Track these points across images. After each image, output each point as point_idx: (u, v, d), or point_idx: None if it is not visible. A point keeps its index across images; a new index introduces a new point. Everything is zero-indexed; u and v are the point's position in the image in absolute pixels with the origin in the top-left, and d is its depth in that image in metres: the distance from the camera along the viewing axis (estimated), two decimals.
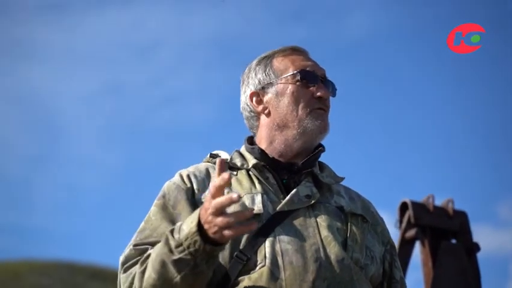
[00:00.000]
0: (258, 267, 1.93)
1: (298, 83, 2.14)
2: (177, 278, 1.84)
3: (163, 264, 1.86)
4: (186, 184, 2.07)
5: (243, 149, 2.18)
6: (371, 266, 2.05)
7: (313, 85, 2.14)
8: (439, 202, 4.27)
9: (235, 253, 1.95)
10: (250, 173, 2.10)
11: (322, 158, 2.21)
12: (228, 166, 2.13)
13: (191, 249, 1.81)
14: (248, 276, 1.93)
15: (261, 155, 2.11)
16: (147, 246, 1.97)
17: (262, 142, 2.16)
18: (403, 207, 4.21)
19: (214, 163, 2.13)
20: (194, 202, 2.04)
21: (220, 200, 1.76)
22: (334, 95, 2.19)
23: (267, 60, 2.20)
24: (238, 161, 2.12)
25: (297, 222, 2.00)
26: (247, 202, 2.01)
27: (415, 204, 4.18)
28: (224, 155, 2.16)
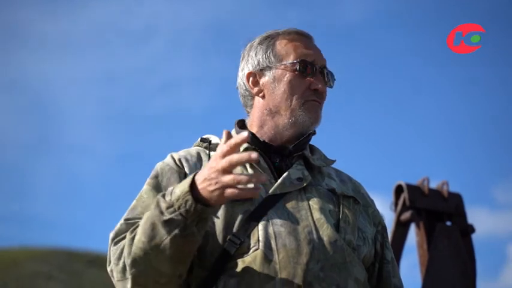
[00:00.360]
0: (251, 251, 1.93)
1: (296, 72, 2.13)
2: (167, 239, 1.83)
3: (153, 227, 1.84)
4: (179, 167, 2.07)
5: (233, 133, 2.18)
6: (363, 247, 2.06)
7: (311, 76, 2.13)
8: (434, 185, 4.28)
9: (229, 236, 1.95)
10: None
11: (317, 140, 2.22)
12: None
13: (182, 209, 1.81)
14: (242, 259, 1.93)
15: (252, 138, 2.11)
16: (137, 220, 1.96)
17: (253, 125, 2.16)
18: (398, 189, 4.22)
19: (205, 147, 2.13)
20: None
21: (238, 156, 1.74)
22: (331, 86, 2.18)
23: (269, 41, 2.18)
24: None
25: (290, 205, 2.00)
26: (239, 186, 2.01)
27: (410, 187, 4.19)
28: (215, 139, 2.16)
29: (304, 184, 2.05)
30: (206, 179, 1.79)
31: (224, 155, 1.77)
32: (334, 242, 1.97)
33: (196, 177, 1.82)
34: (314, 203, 2.02)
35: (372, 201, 2.22)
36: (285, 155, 2.11)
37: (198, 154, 2.13)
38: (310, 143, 2.21)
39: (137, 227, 1.92)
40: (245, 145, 2.09)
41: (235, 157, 1.75)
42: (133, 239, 1.90)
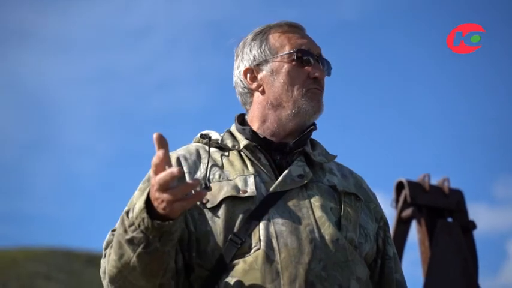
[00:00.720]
0: (252, 250, 1.91)
1: (294, 62, 2.11)
2: (133, 257, 1.82)
3: (120, 245, 1.84)
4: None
5: (233, 129, 2.15)
6: (365, 245, 2.04)
7: (309, 65, 2.11)
8: (434, 181, 4.27)
9: (230, 236, 1.93)
10: (241, 153, 2.08)
11: (318, 137, 2.20)
12: (219, 147, 2.10)
13: (142, 227, 1.79)
14: (243, 259, 1.91)
15: (252, 135, 2.09)
16: None
17: (254, 120, 2.14)
18: (399, 186, 4.20)
19: (205, 144, 2.11)
20: None
21: (163, 175, 1.71)
22: (329, 74, 2.17)
23: (262, 36, 2.17)
24: (229, 142, 2.10)
25: (291, 203, 1.98)
26: (240, 184, 1.99)
27: (411, 184, 4.17)
28: (214, 135, 2.13)
29: (305, 181, 2.03)
30: (154, 199, 1.77)
31: (155, 173, 1.74)
32: (336, 241, 1.95)
33: (150, 191, 1.79)
34: (315, 200, 2.00)
35: (374, 195, 2.20)
36: (286, 152, 2.08)
37: (198, 151, 2.10)
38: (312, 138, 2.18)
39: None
40: (245, 142, 2.07)
41: (161, 177, 1.72)
42: (109, 255, 1.90)
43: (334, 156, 2.17)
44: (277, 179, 2.02)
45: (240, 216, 1.95)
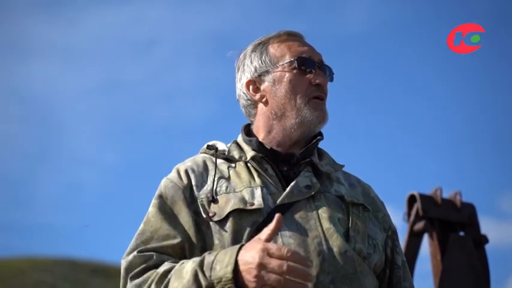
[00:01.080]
0: None
1: (295, 71, 2.10)
2: None
3: None
4: (183, 181, 2.04)
5: (240, 140, 2.15)
6: (374, 255, 2.03)
7: (311, 72, 2.11)
8: (446, 194, 4.27)
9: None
10: (248, 165, 2.07)
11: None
12: (225, 158, 2.10)
13: None
14: None
15: (259, 146, 2.08)
16: (151, 253, 1.94)
17: (260, 131, 2.13)
18: (411, 199, 4.21)
19: (212, 155, 2.11)
20: (193, 200, 2.01)
21: (301, 269, 1.69)
22: (331, 79, 2.16)
23: (262, 47, 2.16)
24: (236, 153, 2.09)
25: (298, 215, 1.97)
26: (247, 196, 1.98)
27: (423, 197, 4.18)
28: (221, 146, 2.13)
29: (313, 192, 2.02)
30: (253, 276, 1.72)
31: (271, 255, 1.71)
32: (344, 253, 1.94)
33: (240, 261, 1.75)
34: (323, 211, 1.99)
35: (382, 203, 2.18)
36: (293, 163, 2.07)
37: (204, 163, 2.09)
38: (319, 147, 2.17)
39: (161, 278, 1.86)
40: (252, 153, 2.07)
41: (298, 269, 1.69)
42: None
43: (342, 166, 2.16)
44: (284, 190, 2.01)
45: (248, 228, 1.94)
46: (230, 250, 1.79)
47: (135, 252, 1.94)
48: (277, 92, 2.10)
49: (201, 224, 1.97)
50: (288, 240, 1.92)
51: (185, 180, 2.04)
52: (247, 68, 2.16)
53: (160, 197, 2.03)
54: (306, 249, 1.92)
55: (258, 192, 1.99)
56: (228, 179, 2.04)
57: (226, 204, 1.98)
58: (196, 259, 1.84)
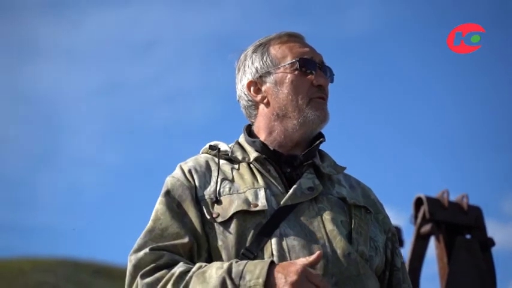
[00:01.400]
0: None
1: (296, 72, 2.11)
2: None
3: None
4: (189, 181, 2.05)
5: (242, 140, 2.15)
6: (375, 258, 2.04)
7: (312, 73, 2.12)
8: (453, 197, 4.28)
9: (242, 251, 1.93)
10: (251, 166, 2.08)
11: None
12: (228, 159, 2.10)
13: None
14: None
15: (262, 147, 2.09)
16: (163, 252, 1.94)
17: (261, 132, 2.14)
18: (418, 202, 4.22)
19: (214, 155, 2.11)
20: (197, 200, 2.02)
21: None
22: (332, 80, 2.17)
23: (263, 48, 2.17)
24: (239, 154, 2.10)
25: (302, 216, 1.98)
26: (251, 197, 1.99)
27: (430, 200, 4.18)
28: (223, 147, 2.14)
29: (316, 194, 2.02)
30: None
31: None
32: (347, 255, 1.95)
33: (276, 275, 1.81)
34: (326, 213, 2.00)
35: (382, 205, 2.19)
36: (296, 165, 2.08)
37: (207, 163, 2.10)
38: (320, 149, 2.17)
39: (178, 278, 1.88)
40: (255, 154, 2.07)
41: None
42: None
43: (344, 168, 2.17)
44: (287, 191, 2.02)
45: (251, 230, 1.95)
46: (260, 263, 1.83)
47: (146, 250, 1.95)
48: (279, 93, 2.11)
49: (205, 224, 1.98)
50: (292, 242, 1.93)
51: (191, 180, 2.05)
52: (248, 69, 2.17)
53: (168, 195, 2.03)
54: (310, 251, 1.92)
55: (261, 194, 2.00)
56: (231, 180, 2.04)
57: (230, 205, 1.98)
58: (220, 265, 1.87)
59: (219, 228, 1.97)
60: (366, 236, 2.04)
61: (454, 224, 4.20)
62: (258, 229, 1.95)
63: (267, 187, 2.02)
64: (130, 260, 1.95)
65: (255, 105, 2.16)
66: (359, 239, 2.01)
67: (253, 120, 2.18)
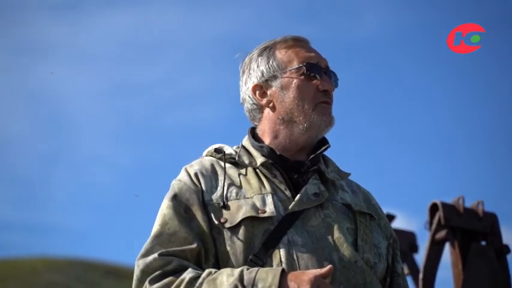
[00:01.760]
0: None
1: (302, 76, 2.11)
2: None
3: None
4: (196, 185, 2.04)
5: (247, 144, 2.14)
6: (379, 264, 2.05)
7: (318, 78, 2.12)
8: (469, 203, 4.26)
9: (250, 257, 1.93)
10: (257, 170, 2.07)
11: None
12: (233, 162, 2.10)
13: None
14: None
15: (270, 153, 2.08)
16: (171, 257, 1.94)
17: (265, 135, 2.13)
18: (433, 208, 4.20)
19: (219, 159, 2.11)
20: (205, 204, 2.01)
21: None
22: (336, 85, 2.17)
23: (269, 52, 2.17)
24: (245, 159, 2.09)
25: (308, 223, 1.98)
26: (258, 203, 1.99)
27: (445, 206, 4.17)
28: (228, 150, 2.13)
29: (322, 201, 2.02)
30: None
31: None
32: (354, 263, 1.95)
33: (289, 284, 1.82)
34: (332, 220, 2.01)
35: (382, 211, 2.19)
36: (303, 172, 2.08)
37: (212, 166, 2.09)
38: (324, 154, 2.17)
39: (189, 284, 1.89)
40: (261, 159, 2.07)
41: None
42: None
43: (348, 174, 2.17)
44: (293, 197, 2.02)
45: (260, 236, 1.95)
46: (271, 270, 1.84)
47: (155, 255, 1.94)
48: (285, 97, 2.11)
49: (212, 229, 1.98)
50: (300, 249, 1.94)
51: (197, 184, 2.04)
52: (253, 73, 2.17)
53: (176, 199, 2.02)
54: (318, 259, 1.93)
55: (269, 200, 2.00)
56: (238, 184, 2.04)
57: (238, 211, 1.98)
58: (230, 272, 1.87)
59: (227, 234, 1.97)
60: (371, 243, 2.04)
61: (469, 230, 4.18)
62: (266, 235, 1.95)
63: (274, 193, 2.02)
64: (138, 265, 1.95)
65: (260, 108, 2.16)
66: (364, 246, 2.02)
67: (257, 124, 2.18)
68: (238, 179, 2.06)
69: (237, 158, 2.09)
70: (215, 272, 1.89)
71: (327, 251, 1.94)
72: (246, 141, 2.15)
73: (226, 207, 1.99)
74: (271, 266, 1.91)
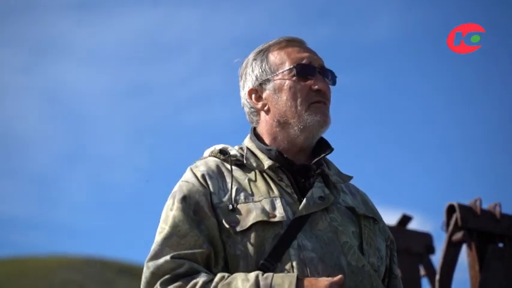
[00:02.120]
0: None
1: (295, 78, 2.10)
2: None
3: None
4: (204, 187, 2.03)
5: (252, 146, 2.13)
6: (382, 267, 2.06)
7: (311, 78, 2.11)
8: (486, 205, 4.26)
9: (261, 261, 1.93)
10: (264, 174, 2.07)
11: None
12: (238, 164, 2.09)
13: None
14: None
15: (278, 156, 2.08)
16: (183, 260, 1.93)
17: (264, 138, 2.13)
18: (451, 210, 4.21)
19: (224, 160, 2.10)
20: (213, 207, 2.00)
21: None
22: (334, 83, 2.16)
23: (262, 55, 2.17)
24: (253, 161, 2.09)
25: (316, 227, 1.98)
26: (267, 207, 1.99)
27: (462, 207, 4.17)
28: (232, 151, 2.12)
29: (328, 204, 2.02)
30: None
31: None
32: (362, 267, 1.96)
33: None
34: (338, 224, 2.01)
35: (379, 213, 2.19)
36: (309, 175, 2.07)
37: (218, 168, 2.08)
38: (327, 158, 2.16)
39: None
40: (269, 162, 2.06)
41: None
42: None
43: (350, 178, 2.17)
44: (300, 200, 2.01)
45: (270, 240, 1.95)
46: (287, 276, 1.85)
47: (167, 257, 1.93)
48: (279, 99, 2.11)
49: (222, 232, 1.97)
50: (309, 254, 1.94)
51: (205, 186, 2.03)
52: (249, 77, 2.17)
53: (185, 201, 2.01)
54: (328, 263, 1.93)
55: (278, 204, 1.99)
56: (246, 187, 2.04)
57: (248, 214, 1.98)
58: (245, 277, 1.87)
59: (237, 238, 1.96)
60: (375, 246, 2.05)
61: (486, 232, 4.18)
62: (276, 240, 1.95)
63: (281, 196, 2.02)
64: (148, 267, 1.94)
65: (257, 112, 2.16)
66: (369, 250, 2.02)
67: (255, 126, 2.18)
68: (245, 181, 2.05)
69: (245, 161, 2.09)
70: (228, 276, 1.89)
71: (335, 256, 1.95)
72: (250, 143, 2.15)
73: (235, 210, 1.98)
74: (282, 270, 1.90)
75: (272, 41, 2.19)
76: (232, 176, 2.05)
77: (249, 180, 2.05)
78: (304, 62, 2.12)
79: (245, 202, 1.99)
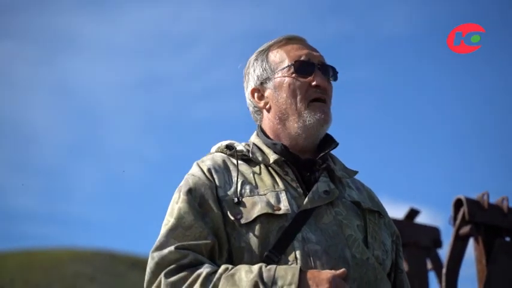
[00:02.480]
0: None
1: (294, 75, 2.12)
2: None
3: None
4: (210, 180, 2.05)
5: (258, 141, 2.16)
6: (387, 261, 2.07)
7: (310, 74, 2.12)
8: (493, 200, 4.26)
9: (265, 253, 1.95)
10: (269, 168, 2.09)
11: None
12: (244, 159, 2.11)
13: None
14: None
15: (283, 150, 2.09)
16: (187, 251, 1.94)
17: (268, 134, 2.16)
18: (458, 204, 4.21)
19: (230, 155, 2.12)
20: (219, 199, 2.02)
21: None
22: (335, 79, 2.17)
23: (263, 55, 2.20)
24: (258, 155, 2.10)
25: (321, 220, 2.00)
26: (272, 200, 2.00)
27: (469, 201, 4.17)
28: (239, 146, 2.14)
29: (333, 198, 2.03)
30: None
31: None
32: (366, 260, 1.98)
33: (308, 282, 1.85)
34: (343, 218, 2.02)
35: (384, 208, 2.21)
36: (314, 170, 2.09)
37: (224, 162, 2.10)
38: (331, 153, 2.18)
39: (206, 280, 1.89)
40: (274, 156, 2.08)
41: None
42: None
43: (356, 172, 2.18)
44: (305, 194, 2.03)
45: (275, 233, 1.96)
46: (290, 268, 1.87)
47: (171, 248, 1.95)
48: (279, 98, 2.13)
49: (226, 224, 1.99)
50: (314, 246, 1.95)
51: (211, 180, 2.05)
52: (251, 77, 2.20)
53: (191, 193, 2.03)
54: (332, 256, 1.95)
55: (283, 197, 2.01)
56: (251, 181, 2.05)
57: (253, 207, 1.99)
58: (248, 268, 1.88)
59: (241, 230, 1.97)
60: (380, 240, 2.07)
61: (493, 226, 4.18)
62: (280, 232, 1.96)
63: (286, 190, 2.04)
64: (153, 257, 1.95)
65: (260, 111, 2.19)
66: (374, 243, 2.04)
67: (260, 124, 2.20)
68: (251, 175, 2.07)
69: (250, 155, 2.11)
70: (232, 268, 1.91)
71: (340, 248, 1.96)
72: (257, 139, 2.17)
73: (240, 203, 2.00)
74: (286, 262, 1.92)
75: (273, 40, 2.21)
76: (238, 170, 2.07)
77: (255, 173, 2.07)
78: (302, 58, 2.14)
79: (250, 195, 2.01)
